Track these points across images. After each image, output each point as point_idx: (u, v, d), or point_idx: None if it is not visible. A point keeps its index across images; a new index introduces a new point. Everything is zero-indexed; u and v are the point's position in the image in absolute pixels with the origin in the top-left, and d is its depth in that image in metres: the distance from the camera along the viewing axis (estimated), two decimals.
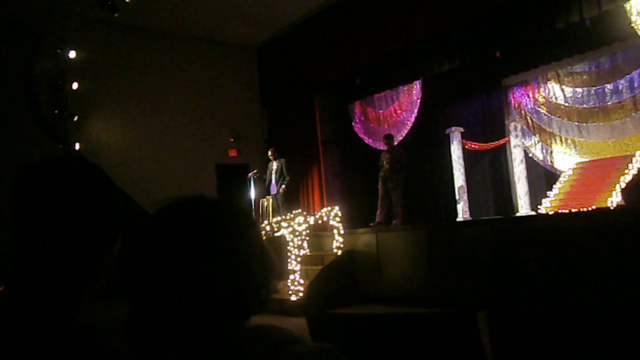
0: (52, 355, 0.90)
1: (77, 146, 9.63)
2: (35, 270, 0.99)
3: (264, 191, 10.53)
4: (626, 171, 8.89)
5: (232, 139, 12.28)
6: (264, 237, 8.63)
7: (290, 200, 10.62)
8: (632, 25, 7.50)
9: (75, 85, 9.53)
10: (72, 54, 9.28)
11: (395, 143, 10.08)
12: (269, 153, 10.38)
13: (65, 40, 9.30)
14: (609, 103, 9.93)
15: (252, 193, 10.86)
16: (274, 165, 10.33)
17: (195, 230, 0.89)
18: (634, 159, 9.06)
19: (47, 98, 9.31)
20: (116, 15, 9.16)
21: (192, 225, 0.90)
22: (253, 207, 10.71)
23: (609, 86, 9.92)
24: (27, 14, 9.07)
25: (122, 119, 10.91)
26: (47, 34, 9.17)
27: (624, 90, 9.73)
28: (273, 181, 10.30)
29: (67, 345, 0.92)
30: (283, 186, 10.12)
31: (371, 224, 9.24)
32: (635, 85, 9.57)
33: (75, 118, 9.53)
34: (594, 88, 10.15)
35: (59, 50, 9.29)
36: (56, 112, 9.35)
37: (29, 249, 1.00)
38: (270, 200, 10.49)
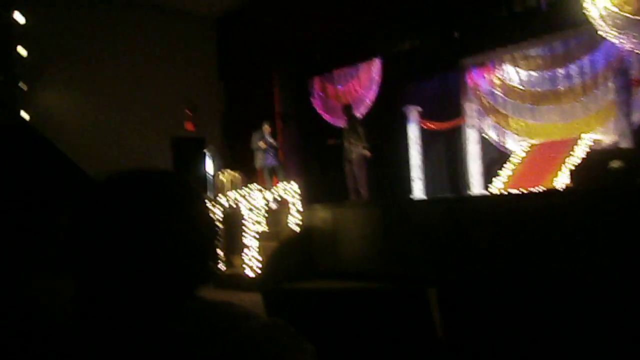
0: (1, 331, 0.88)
1: (26, 115, 9.24)
2: None
3: (265, 160, 10.22)
4: (572, 153, 9.22)
5: (189, 112, 12.05)
6: (221, 212, 8.56)
7: (248, 175, 10.55)
8: (584, 11, 7.71)
9: (24, 52, 9.09)
10: (22, 20, 8.83)
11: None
12: (267, 126, 10.21)
13: (12, 2, 8.83)
14: (560, 87, 10.22)
15: (209, 167, 10.77)
16: (269, 138, 10.20)
17: (140, 201, 0.89)
18: (579, 141, 9.40)
19: None
20: None
21: (137, 195, 0.89)
22: (210, 182, 10.59)
23: (561, 70, 10.20)
24: None
25: (73, 89, 10.53)
26: None
27: (574, 75, 10.02)
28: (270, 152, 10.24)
29: (17, 319, 0.90)
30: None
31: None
32: (585, 70, 9.88)
33: (25, 87, 9.12)
34: (547, 72, 10.42)
35: (3, 12, 8.80)
36: (2, 79, 8.92)
37: None
38: (266, 170, 10.30)
